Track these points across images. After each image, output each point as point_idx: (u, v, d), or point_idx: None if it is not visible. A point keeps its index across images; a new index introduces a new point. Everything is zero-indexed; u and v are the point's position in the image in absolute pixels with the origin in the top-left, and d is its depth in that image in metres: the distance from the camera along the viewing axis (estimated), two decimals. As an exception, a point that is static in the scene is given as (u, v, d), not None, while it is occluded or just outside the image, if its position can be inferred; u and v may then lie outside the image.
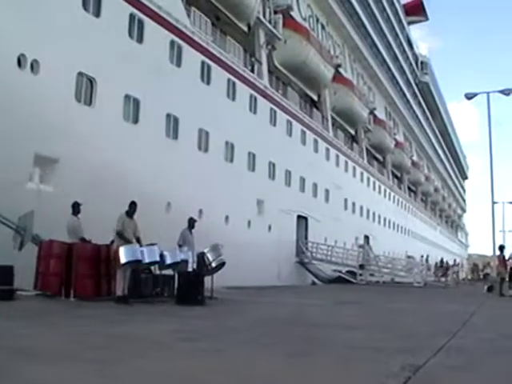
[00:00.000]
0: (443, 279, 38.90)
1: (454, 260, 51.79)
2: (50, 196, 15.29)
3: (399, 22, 63.75)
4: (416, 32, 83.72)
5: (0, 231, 12.66)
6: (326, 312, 13.19)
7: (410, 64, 69.90)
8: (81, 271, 12.39)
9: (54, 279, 12.36)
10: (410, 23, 71.80)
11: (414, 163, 67.24)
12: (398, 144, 59.47)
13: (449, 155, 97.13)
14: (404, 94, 64.80)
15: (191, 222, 15.16)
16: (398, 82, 61.59)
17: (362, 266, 34.93)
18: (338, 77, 41.38)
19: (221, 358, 6.09)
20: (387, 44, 57.06)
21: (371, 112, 50.56)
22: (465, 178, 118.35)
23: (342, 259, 35.35)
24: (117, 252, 12.07)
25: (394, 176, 61.67)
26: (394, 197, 57.62)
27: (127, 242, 12.23)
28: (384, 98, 57.80)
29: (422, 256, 44.24)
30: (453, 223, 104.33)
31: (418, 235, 65.31)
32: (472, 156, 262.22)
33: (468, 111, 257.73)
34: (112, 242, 12.75)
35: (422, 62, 75.48)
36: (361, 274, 34.46)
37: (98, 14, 18.10)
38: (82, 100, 17.41)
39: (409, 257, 51.07)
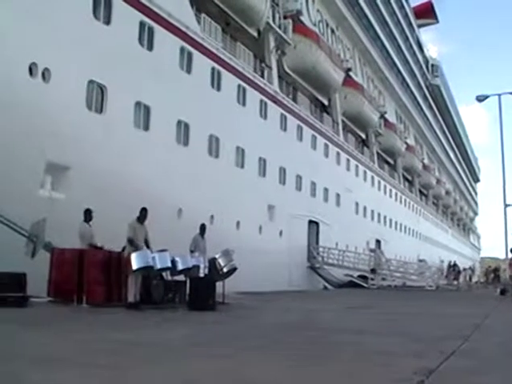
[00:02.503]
0: (455, 282, 38.68)
1: (470, 267, 51.36)
2: (62, 203, 15.36)
3: (409, 24, 63.66)
4: (426, 35, 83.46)
5: (13, 238, 12.66)
6: (338, 317, 13.15)
7: (421, 67, 69.73)
8: (92, 278, 12.43)
9: (66, 286, 12.39)
10: (420, 26, 71.68)
11: (425, 166, 67.01)
12: (408, 147, 59.31)
13: (460, 158, 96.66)
14: (415, 97, 64.64)
15: (203, 228, 15.24)
16: (408, 85, 61.45)
17: (373, 271, 34.84)
18: (348, 81, 41.37)
19: (232, 363, 6.09)
20: (397, 47, 56.97)
21: (382, 116, 50.48)
22: (476, 180, 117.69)
23: (354, 264, 35.32)
24: (128, 258, 12.12)
25: (405, 179, 61.45)
26: (405, 200, 57.41)
27: (137, 248, 12.28)
28: (394, 102, 57.69)
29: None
30: (465, 226, 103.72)
31: (429, 239, 64.98)
32: (484, 158, 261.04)
33: (478, 114, 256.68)
34: (124, 248, 12.79)
35: (432, 65, 75.30)
36: (372, 279, 34.41)
37: (108, 21, 18.21)
38: (92, 107, 17.50)
39: (420, 260, 50.85)
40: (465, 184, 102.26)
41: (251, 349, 7.16)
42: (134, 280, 12.19)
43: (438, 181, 74.93)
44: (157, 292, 13.23)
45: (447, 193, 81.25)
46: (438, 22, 79.04)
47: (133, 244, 12.33)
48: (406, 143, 58.62)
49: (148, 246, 12.59)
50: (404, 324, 11.56)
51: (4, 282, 11.62)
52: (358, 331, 9.57)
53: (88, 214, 13.04)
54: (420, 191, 67.41)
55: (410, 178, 63.51)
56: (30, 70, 15.11)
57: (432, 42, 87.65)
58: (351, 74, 42.72)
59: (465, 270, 45.95)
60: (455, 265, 43.31)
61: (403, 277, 37.48)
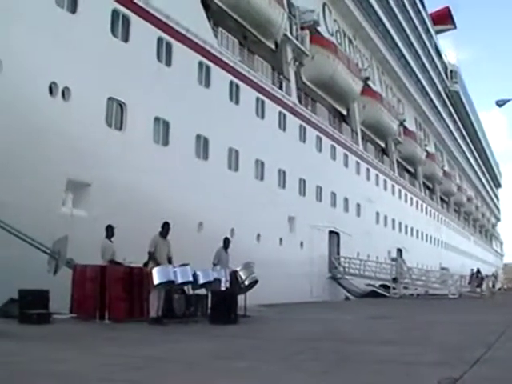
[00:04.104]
0: (478, 290, 38.23)
1: (493, 273, 50.74)
2: (84, 220, 15.48)
3: (427, 31, 63.42)
4: (444, 41, 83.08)
5: (35, 256, 12.79)
6: (360, 327, 13.24)
7: (440, 73, 69.33)
8: (114, 294, 12.50)
9: (89, 302, 12.51)
10: (437, 32, 71.33)
11: (445, 173, 66.39)
12: (429, 155, 58.84)
13: (481, 164, 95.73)
14: (434, 104, 64.22)
15: (226, 242, 15.31)
16: (427, 93, 61.08)
17: (395, 280, 34.58)
18: (366, 90, 41.20)
19: (255, 376, 6.15)
20: (415, 54, 56.72)
21: (401, 124, 50.17)
22: (498, 186, 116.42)
23: (375, 273, 35.04)
24: (150, 273, 12.19)
25: (426, 187, 60.96)
26: (426, 208, 56.92)
27: (157, 263, 12.36)
28: (414, 109, 57.34)
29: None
30: (487, 232, 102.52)
31: (451, 246, 64.33)
32: (506, 164, 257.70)
33: (497, 120, 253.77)
34: (146, 263, 12.87)
35: (451, 71, 74.81)
36: (394, 288, 34.14)
37: (126, 39, 18.36)
38: (112, 125, 17.62)
39: (443, 268, 50.35)
40: (486, 190, 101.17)
41: (274, 361, 7.22)
42: (156, 295, 12.23)
43: (459, 188, 74.19)
44: (178, 306, 13.25)
45: (469, 199, 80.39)
46: (455, 27, 78.64)
47: (152, 258, 12.42)
48: (426, 151, 58.15)
49: (170, 261, 12.65)
50: (427, 333, 11.58)
51: (28, 299, 11.85)
52: (381, 341, 9.66)
53: (110, 231, 13.17)
54: (441, 199, 66.82)
55: (430, 185, 62.96)
56: (50, 89, 15.26)
57: (450, 47, 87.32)
58: (369, 83, 42.52)
59: (487, 276, 45.34)
60: (478, 271, 42.79)
61: (425, 285, 37.13)
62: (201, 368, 6.62)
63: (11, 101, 13.90)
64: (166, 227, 12.78)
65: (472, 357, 7.17)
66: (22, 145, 14.03)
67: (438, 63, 69.10)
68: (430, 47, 64.15)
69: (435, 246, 58.26)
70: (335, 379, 6.05)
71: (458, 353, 7.93)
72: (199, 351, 8.08)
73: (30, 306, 11.65)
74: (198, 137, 21.36)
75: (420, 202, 54.95)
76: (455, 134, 75.58)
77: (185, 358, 7.42)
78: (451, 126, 73.22)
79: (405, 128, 51.94)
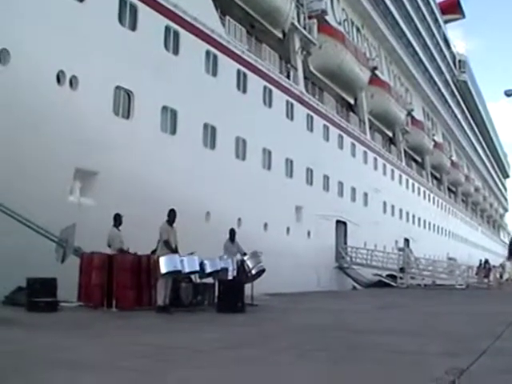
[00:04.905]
0: (486, 280, 38.12)
1: (501, 264, 50.52)
2: (91, 209, 15.52)
3: (435, 21, 62.90)
4: (453, 31, 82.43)
5: (43, 244, 12.81)
6: (367, 317, 13.21)
7: (448, 63, 68.86)
8: (122, 282, 12.49)
9: (96, 290, 12.53)
10: (446, 22, 70.80)
11: (453, 163, 66.12)
12: (436, 145, 58.57)
13: (489, 154, 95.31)
14: (442, 94, 63.86)
15: (232, 233, 15.28)
16: (435, 82, 60.72)
17: (402, 270, 34.54)
18: (374, 79, 41.03)
19: (263, 365, 6.15)
20: (423, 44, 56.31)
21: (409, 113, 49.95)
22: (506, 176, 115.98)
23: (382, 263, 35.00)
24: (157, 262, 12.19)
25: (434, 177, 60.71)
26: (433, 198, 56.75)
27: (172, 251, 12.37)
28: (422, 99, 57.04)
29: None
30: (494, 223, 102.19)
31: (458, 236, 64.20)
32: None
33: (506, 110, 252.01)
34: (153, 251, 12.88)
35: (459, 61, 74.26)
36: (401, 278, 34.12)
37: (134, 27, 18.31)
38: (120, 113, 17.61)
39: (450, 258, 50.24)
40: (494, 180, 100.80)
41: (282, 350, 7.23)
42: (163, 283, 12.24)
43: (467, 178, 73.90)
44: (186, 295, 13.27)
45: (476, 190, 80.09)
46: (464, 17, 78.09)
47: (168, 246, 12.40)
48: (434, 140, 57.88)
49: (177, 249, 12.65)
50: (434, 323, 11.58)
51: (36, 287, 11.87)
52: (389, 331, 9.65)
53: (117, 219, 13.14)
54: (449, 189, 66.56)
55: (438, 175, 62.72)
56: (58, 77, 15.24)
57: (459, 37, 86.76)
58: (377, 72, 42.33)
59: (495, 267, 45.18)
60: (486, 262, 42.68)
61: (432, 275, 37.03)
62: (208, 356, 6.61)
63: (19, 90, 13.90)
64: (172, 214, 12.74)
65: (479, 347, 7.17)
66: (30, 134, 14.04)
67: (447, 53, 68.58)
68: (438, 37, 63.66)
69: (442, 236, 58.12)
70: (342, 368, 6.06)
71: (465, 343, 7.96)
72: (206, 340, 8.08)
73: (38, 294, 11.67)
74: (206, 126, 21.34)
75: (427, 191, 54.75)
76: (463, 123, 75.19)
77: (192, 346, 7.40)
78: (459, 115, 72.83)
79: (412, 118, 51.69)
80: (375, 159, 40.84)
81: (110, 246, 12.93)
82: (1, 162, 13.32)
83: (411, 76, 52.55)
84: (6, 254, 12.31)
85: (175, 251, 12.51)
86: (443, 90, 64.19)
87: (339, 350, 7.40)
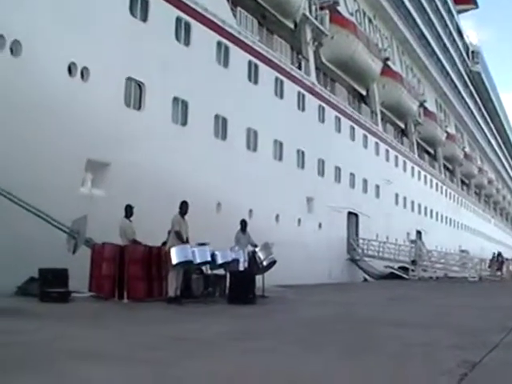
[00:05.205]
0: (498, 273, 37.91)
1: None
2: (103, 200, 15.53)
3: (448, 11, 62.24)
4: (466, 21, 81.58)
5: (55, 235, 12.87)
6: (378, 309, 13.13)
7: (461, 54, 68.18)
8: (133, 273, 12.50)
9: (107, 281, 12.54)
10: (459, 12, 70.08)
11: (466, 155, 65.55)
12: (449, 136, 58.11)
13: (502, 145, 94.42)
14: (455, 85, 63.25)
15: (243, 224, 15.24)
16: (448, 73, 60.14)
17: (414, 262, 34.42)
18: (386, 70, 40.73)
19: (274, 357, 6.13)
20: (436, 34, 55.72)
21: (421, 105, 49.58)
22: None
23: (394, 255, 34.90)
24: (168, 253, 12.19)
25: (446, 169, 60.30)
26: (446, 190, 56.40)
27: (183, 242, 12.37)
28: (434, 90, 56.54)
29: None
30: (508, 216, 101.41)
31: (471, 229, 63.80)
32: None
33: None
34: (164, 243, 12.92)
35: (472, 52, 73.47)
36: (413, 270, 34.02)
37: (145, 18, 18.26)
38: (131, 105, 17.61)
39: (462, 251, 49.99)
40: (508, 172, 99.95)
41: (293, 342, 7.22)
42: (174, 275, 12.25)
43: (480, 170, 73.25)
44: (197, 286, 13.31)
45: (490, 182, 79.39)
46: (477, 7, 77.27)
47: (180, 238, 12.40)
48: (447, 132, 57.46)
49: (188, 241, 12.63)
50: (446, 316, 11.51)
51: (47, 278, 11.94)
52: (400, 323, 9.57)
53: (129, 210, 13.11)
54: (461, 181, 66.14)
55: (451, 167, 62.30)
56: (69, 69, 15.24)
57: (472, 27, 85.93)
58: (389, 63, 42.05)
59: (507, 260, 44.91)
60: (499, 254, 42.43)
61: (445, 268, 36.89)
62: (219, 348, 6.62)
63: (30, 82, 13.90)
64: (184, 206, 12.74)
65: (491, 340, 7.15)
66: (41, 125, 14.05)
67: (460, 43, 67.86)
68: (451, 27, 62.94)
69: (455, 229, 57.79)
70: (354, 361, 6.01)
71: (477, 336, 7.91)
72: (217, 331, 8.08)
73: (50, 285, 11.73)
74: (217, 117, 21.30)
75: (440, 183, 54.42)
76: (476, 115, 74.42)
77: (203, 337, 7.42)
78: (472, 106, 72.09)
79: (425, 109, 51.31)
80: (387, 151, 40.63)
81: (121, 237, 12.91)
82: (13, 154, 13.34)
83: (424, 67, 52.07)
84: (18, 244, 12.43)
85: (186, 242, 12.49)
86: (456, 80, 63.57)
87: (349, 342, 7.38)
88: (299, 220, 26.80)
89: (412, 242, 40.48)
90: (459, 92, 65.28)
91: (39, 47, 14.35)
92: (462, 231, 60.48)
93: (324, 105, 30.53)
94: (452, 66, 62.02)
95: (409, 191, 43.81)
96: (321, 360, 5.98)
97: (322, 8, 31.63)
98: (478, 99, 75.56)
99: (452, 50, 62.42)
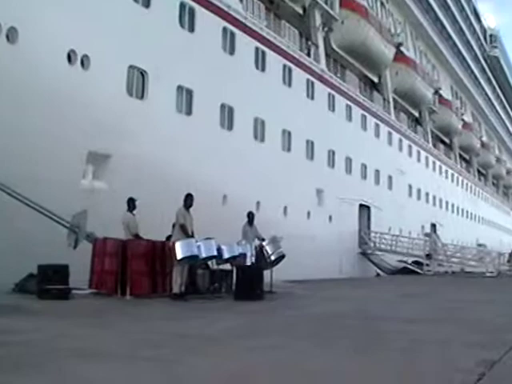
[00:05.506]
0: (517, 268, 37.27)
1: None
2: (104, 193, 15.41)
3: (465, -7, 61.11)
4: (483, 5, 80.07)
5: (55, 230, 12.67)
6: (391, 305, 13.08)
7: (478, 38, 66.81)
8: (136, 268, 12.29)
9: (109, 277, 12.34)
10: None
11: (483, 144, 64.80)
12: (465, 125, 57.46)
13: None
14: (472, 71, 62.21)
15: (250, 216, 14.94)
16: (464, 58, 59.07)
17: (428, 256, 34.09)
18: (399, 56, 40.16)
19: (282, 353, 6.03)
20: (452, 18, 54.54)
21: (436, 92, 49.15)
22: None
23: (408, 249, 34.66)
24: (173, 247, 11.93)
25: (462, 159, 59.79)
26: (462, 181, 55.96)
27: (188, 235, 12.14)
28: (450, 76, 55.85)
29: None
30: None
31: (489, 222, 63.18)
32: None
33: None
34: (168, 237, 12.70)
35: (490, 35, 72.20)
36: (428, 264, 33.80)
37: (147, 4, 17.99)
38: (133, 94, 17.44)
39: (479, 245, 49.36)
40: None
41: (302, 338, 7.15)
42: (179, 270, 12.08)
43: (498, 159, 72.45)
44: (202, 282, 13.23)
45: (508, 172, 78.49)
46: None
47: (185, 231, 12.15)
48: (463, 120, 56.86)
49: (193, 235, 12.36)
50: (463, 312, 11.37)
51: (48, 274, 11.76)
52: (413, 320, 9.51)
53: (132, 203, 12.93)
54: (478, 171, 65.50)
55: (467, 157, 61.78)
56: (69, 57, 15.02)
57: (490, 10, 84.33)
58: (402, 48, 41.50)
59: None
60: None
61: (461, 262, 36.37)
62: (225, 345, 6.57)
63: (28, 70, 13.70)
64: (189, 199, 12.49)
65: (511, 338, 7.00)
66: (40, 116, 13.87)
67: (477, 27, 66.47)
68: (468, 10, 61.51)
69: (472, 221, 57.27)
70: (366, 357, 5.89)
71: (495, 334, 7.79)
72: (223, 328, 8.05)
73: (50, 281, 11.51)
74: (223, 106, 21.12)
75: (456, 174, 54.02)
76: (494, 102, 73.36)
77: (209, 334, 7.39)
78: (490, 93, 70.98)
79: (440, 96, 50.85)
80: (400, 140, 40.25)
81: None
82: (10, 146, 13.16)
83: (439, 52, 51.32)
84: (16, 240, 12.38)
85: (191, 236, 12.26)
86: (473, 66, 62.46)
87: (362, 338, 7.29)
88: (308, 213, 26.59)
89: (426, 235, 40.04)
90: (476, 78, 64.23)
91: (37, 34, 14.12)
92: (480, 224, 59.94)
93: (334, 93, 30.21)
94: (469, 51, 60.86)
95: (423, 182, 43.44)
96: (331, 356, 5.92)
97: (331, -9, 31.12)
98: (496, 85, 74.45)
99: (469, 34, 61.07)
